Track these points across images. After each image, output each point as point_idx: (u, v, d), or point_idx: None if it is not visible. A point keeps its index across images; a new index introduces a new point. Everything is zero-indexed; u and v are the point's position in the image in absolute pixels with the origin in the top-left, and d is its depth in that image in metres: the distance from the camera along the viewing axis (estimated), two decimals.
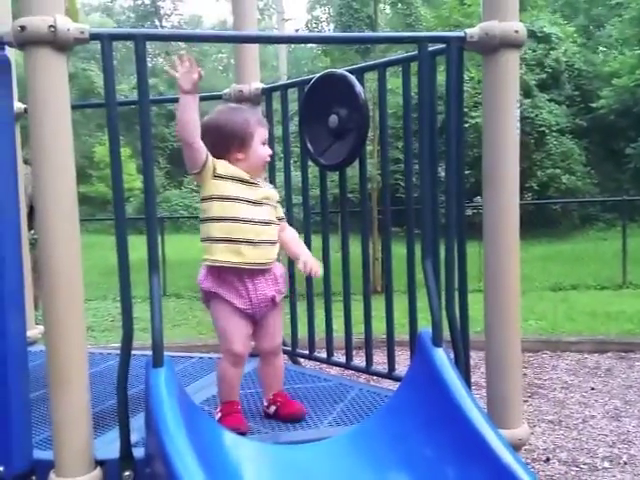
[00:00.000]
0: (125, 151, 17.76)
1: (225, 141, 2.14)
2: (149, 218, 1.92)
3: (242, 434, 2.03)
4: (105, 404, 2.36)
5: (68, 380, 1.82)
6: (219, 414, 2.17)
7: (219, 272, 2.12)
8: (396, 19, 20.92)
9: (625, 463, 3.66)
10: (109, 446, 1.95)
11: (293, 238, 2.30)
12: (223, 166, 2.13)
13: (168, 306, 9.03)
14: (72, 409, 1.83)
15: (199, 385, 2.65)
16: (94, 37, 1.83)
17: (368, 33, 11.74)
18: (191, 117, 2.01)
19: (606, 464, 3.65)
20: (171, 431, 1.57)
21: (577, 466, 3.65)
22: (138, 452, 1.89)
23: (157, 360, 1.77)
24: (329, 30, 23.39)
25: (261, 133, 2.20)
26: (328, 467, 1.85)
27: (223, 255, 2.08)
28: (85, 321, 1.88)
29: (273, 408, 2.28)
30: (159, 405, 1.64)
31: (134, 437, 1.92)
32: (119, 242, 1.87)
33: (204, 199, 2.12)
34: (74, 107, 1.91)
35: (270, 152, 2.26)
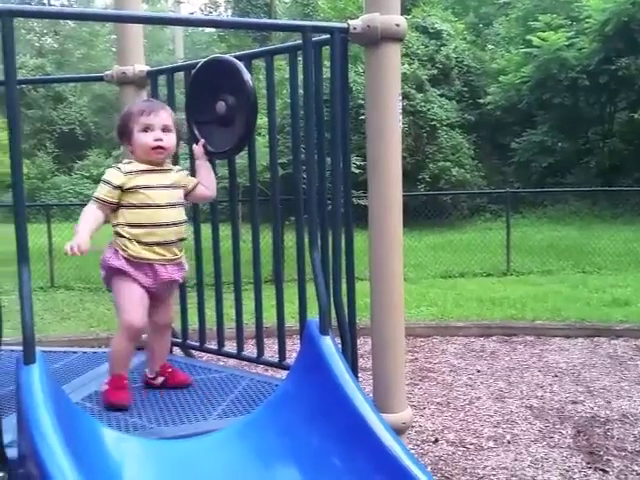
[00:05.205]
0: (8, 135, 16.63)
1: (121, 135, 2.30)
2: (17, 205, 1.81)
3: (125, 409, 2.16)
4: None
5: None
6: (105, 386, 2.25)
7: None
8: (294, 8, 20.93)
9: (509, 442, 3.82)
10: None
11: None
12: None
13: (57, 298, 8.62)
14: None
15: (81, 381, 2.52)
16: None
17: (254, 19, 11.58)
18: None
19: (491, 444, 3.81)
20: (43, 431, 1.50)
21: (464, 446, 3.79)
22: (12, 452, 1.79)
23: (28, 357, 1.67)
24: (227, 15, 22.98)
25: (141, 121, 2.23)
26: (214, 460, 1.82)
27: None
28: None
29: (161, 379, 2.43)
30: (30, 404, 1.56)
31: (8, 437, 1.81)
32: None
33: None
34: None
35: (157, 137, 2.24)
